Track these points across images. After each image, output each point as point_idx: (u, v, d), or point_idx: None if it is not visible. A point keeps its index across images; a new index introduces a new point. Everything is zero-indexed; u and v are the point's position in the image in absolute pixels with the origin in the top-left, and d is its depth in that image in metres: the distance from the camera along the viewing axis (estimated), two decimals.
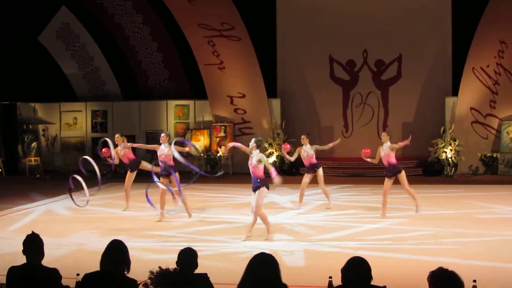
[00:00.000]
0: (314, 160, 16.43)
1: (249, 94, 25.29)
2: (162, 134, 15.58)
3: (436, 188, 20.49)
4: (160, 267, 5.97)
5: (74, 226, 14.33)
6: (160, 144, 15.36)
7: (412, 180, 18.87)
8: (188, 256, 6.01)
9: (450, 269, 5.01)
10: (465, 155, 24.17)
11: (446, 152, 23.96)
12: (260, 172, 12.10)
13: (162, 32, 26.43)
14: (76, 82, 27.76)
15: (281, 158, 24.58)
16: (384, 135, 15.28)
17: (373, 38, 25.50)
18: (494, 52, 23.87)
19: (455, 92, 24.80)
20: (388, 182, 15.00)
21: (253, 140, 12.27)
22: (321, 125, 25.87)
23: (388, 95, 25.99)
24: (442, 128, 24.31)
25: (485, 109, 24.50)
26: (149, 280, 5.99)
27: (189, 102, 26.41)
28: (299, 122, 25.68)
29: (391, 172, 14.95)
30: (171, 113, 26.45)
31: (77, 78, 27.67)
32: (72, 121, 27.34)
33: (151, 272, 5.98)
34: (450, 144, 23.94)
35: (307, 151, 16.38)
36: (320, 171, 16.41)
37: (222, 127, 25.34)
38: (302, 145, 16.48)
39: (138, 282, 5.96)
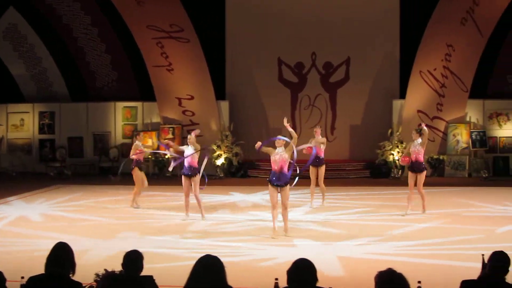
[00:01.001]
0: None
1: (198, 96, 25.20)
2: (189, 136, 15.62)
3: (384, 189, 20.62)
4: (106, 270, 5.90)
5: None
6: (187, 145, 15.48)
7: (359, 182, 19.14)
8: (133, 259, 5.96)
9: None
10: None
11: (393, 155, 24.12)
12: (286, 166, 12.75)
13: (110, 34, 26.23)
14: (24, 83, 27.39)
15: (229, 160, 24.57)
16: (414, 133, 15.75)
17: (322, 41, 25.61)
18: (442, 56, 24.12)
19: (402, 95, 25.01)
20: (412, 177, 15.63)
21: (281, 137, 12.98)
22: (270, 127, 25.85)
23: (336, 97, 26.10)
24: (390, 131, 24.49)
25: (432, 112, 24.74)
26: (94, 283, 5.94)
27: (137, 104, 26.25)
28: (247, 124, 25.71)
29: (417, 168, 15.55)
30: (119, 114, 26.26)
31: (25, 79, 27.30)
32: (19, 123, 26.98)
33: (97, 275, 5.92)
34: (397, 147, 24.09)
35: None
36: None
37: (170, 129, 25.22)
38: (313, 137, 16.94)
39: (84, 285, 5.92)
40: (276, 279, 6.55)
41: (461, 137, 24.65)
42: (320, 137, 17.00)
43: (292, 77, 26.13)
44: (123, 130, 26.23)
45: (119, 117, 26.28)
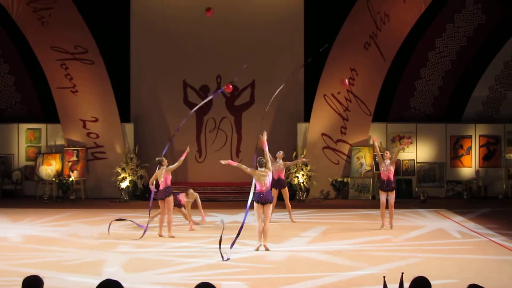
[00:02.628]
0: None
1: (102, 118, 24.97)
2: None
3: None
4: None
5: None
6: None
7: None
8: (32, 284, 5.85)
9: None
10: (317, 180, 24.59)
11: (298, 177, 24.29)
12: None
13: (13, 54, 25.79)
14: None
15: (134, 183, 24.36)
16: (387, 153, 17.43)
17: (227, 64, 25.62)
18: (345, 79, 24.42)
19: (307, 118, 25.27)
20: (383, 195, 17.10)
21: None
22: (175, 149, 25.73)
23: (241, 120, 26.20)
24: (294, 154, 24.67)
25: (336, 135, 25.05)
26: None
27: (41, 126, 25.78)
28: (153, 147, 25.50)
29: (388, 187, 17.04)
30: (22, 136, 25.74)
31: None
32: None
33: None
34: (302, 169, 24.29)
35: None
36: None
37: (75, 151, 24.87)
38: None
39: None
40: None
41: (365, 160, 25.00)
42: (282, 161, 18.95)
43: (198, 99, 26.05)
44: (27, 152, 25.73)
45: (22, 139, 25.77)
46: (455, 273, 12.04)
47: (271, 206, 14.48)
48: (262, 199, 14.21)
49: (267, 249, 14.29)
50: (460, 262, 13.11)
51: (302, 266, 12.81)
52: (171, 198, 16.30)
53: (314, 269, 12.58)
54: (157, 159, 16.68)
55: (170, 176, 16.46)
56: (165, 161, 16.63)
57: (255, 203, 14.27)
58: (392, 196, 17.11)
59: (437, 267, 12.64)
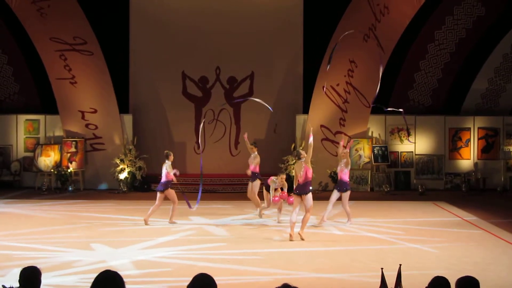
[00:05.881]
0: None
1: (101, 109, 24.95)
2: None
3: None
4: (3, 286, 5.78)
5: None
6: None
7: (262, 196, 19.23)
8: (30, 275, 5.86)
9: None
10: (315, 172, 24.40)
11: None
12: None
13: (12, 45, 25.73)
14: None
15: (132, 174, 24.35)
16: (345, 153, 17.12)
17: (226, 55, 25.68)
18: (344, 71, 24.43)
19: (305, 110, 25.24)
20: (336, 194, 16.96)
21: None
22: (174, 140, 25.78)
23: (240, 112, 26.19)
24: (293, 145, 24.65)
25: (335, 127, 25.02)
26: None
27: (40, 117, 25.72)
28: (151, 138, 25.58)
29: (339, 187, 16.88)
30: (21, 127, 25.68)
31: None
32: None
33: None
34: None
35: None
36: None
37: (73, 142, 24.85)
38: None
39: None
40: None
41: (363, 152, 25.00)
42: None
43: (196, 91, 26.10)
44: (25, 143, 25.69)
45: (21, 130, 25.71)
46: (453, 264, 12.09)
47: (307, 197, 14.67)
48: (299, 190, 14.64)
49: (302, 239, 14.57)
50: (457, 254, 13.15)
51: (299, 258, 12.87)
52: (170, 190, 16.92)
53: (311, 261, 12.62)
54: (165, 152, 17.25)
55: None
56: (171, 157, 17.11)
57: (293, 194, 14.93)
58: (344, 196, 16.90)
59: (435, 259, 12.68)
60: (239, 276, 11.35)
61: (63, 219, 17.70)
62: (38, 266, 6.08)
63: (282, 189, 16.81)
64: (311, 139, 15.07)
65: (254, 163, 18.39)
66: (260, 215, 17.98)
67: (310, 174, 14.77)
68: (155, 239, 14.79)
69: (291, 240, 14.48)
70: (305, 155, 14.87)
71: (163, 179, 16.85)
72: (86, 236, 15.08)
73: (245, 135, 19.21)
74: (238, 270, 11.82)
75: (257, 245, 14.24)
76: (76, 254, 13.09)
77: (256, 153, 18.57)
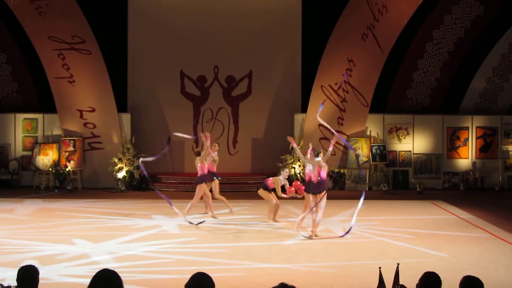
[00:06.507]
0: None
1: (99, 108, 24.93)
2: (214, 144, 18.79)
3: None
4: (1, 285, 5.78)
5: None
6: None
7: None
8: (28, 274, 5.85)
9: None
10: None
11: (294, 168, 24.28)
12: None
13: (11, 44, 25.70)
14: None
15: (130, 173, 24.34)
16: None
17: (224, 55, 25.69)
18: (343, 70, 24.38)
19: (304, 109, 25.26)
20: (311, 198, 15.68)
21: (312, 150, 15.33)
22: (172, 140, 25.72)
23: (238, 111, 26.18)
24: (291, 145, 24.60)
25: (333, 126, 24.72)
26: None
27: (38, 116, 25.69)
28: (149, 137, 25.56)
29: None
30: (19, 126, 25.65)
31: None
32: None
33: None
34: (299, 160, 24.25)
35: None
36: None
37: (71, 141, 24.83)
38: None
39: None
40: None
41: (362, 151, 25.00)
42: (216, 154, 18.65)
43: (195, 90, 26.10)
44: (23, 142, 25.66)
45: (19, 129, 25.68)
46: (451, 263, 12.10)
47: (321, 196, 14.83)
48: (314, 189, 14.92)
49: (316, 235, 14.86)
50: (456, 253, 13.15)
51: (299, 257, 12.87)
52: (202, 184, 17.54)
53: (310, 259, 12.63)
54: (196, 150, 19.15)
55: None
56: (202, 152, 17.91)
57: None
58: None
59: (433, 258, 12.69)
60: (235, 273, 11.35)
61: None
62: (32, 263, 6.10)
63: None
64: (330, 149, 15.46)
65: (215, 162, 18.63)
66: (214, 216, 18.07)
67: (324, 174, 14.97)
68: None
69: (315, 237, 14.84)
70: (323, 156, 15.07)
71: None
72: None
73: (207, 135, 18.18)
74: (233, 266, 11.80)
75: (255, 241, 14.25)
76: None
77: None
